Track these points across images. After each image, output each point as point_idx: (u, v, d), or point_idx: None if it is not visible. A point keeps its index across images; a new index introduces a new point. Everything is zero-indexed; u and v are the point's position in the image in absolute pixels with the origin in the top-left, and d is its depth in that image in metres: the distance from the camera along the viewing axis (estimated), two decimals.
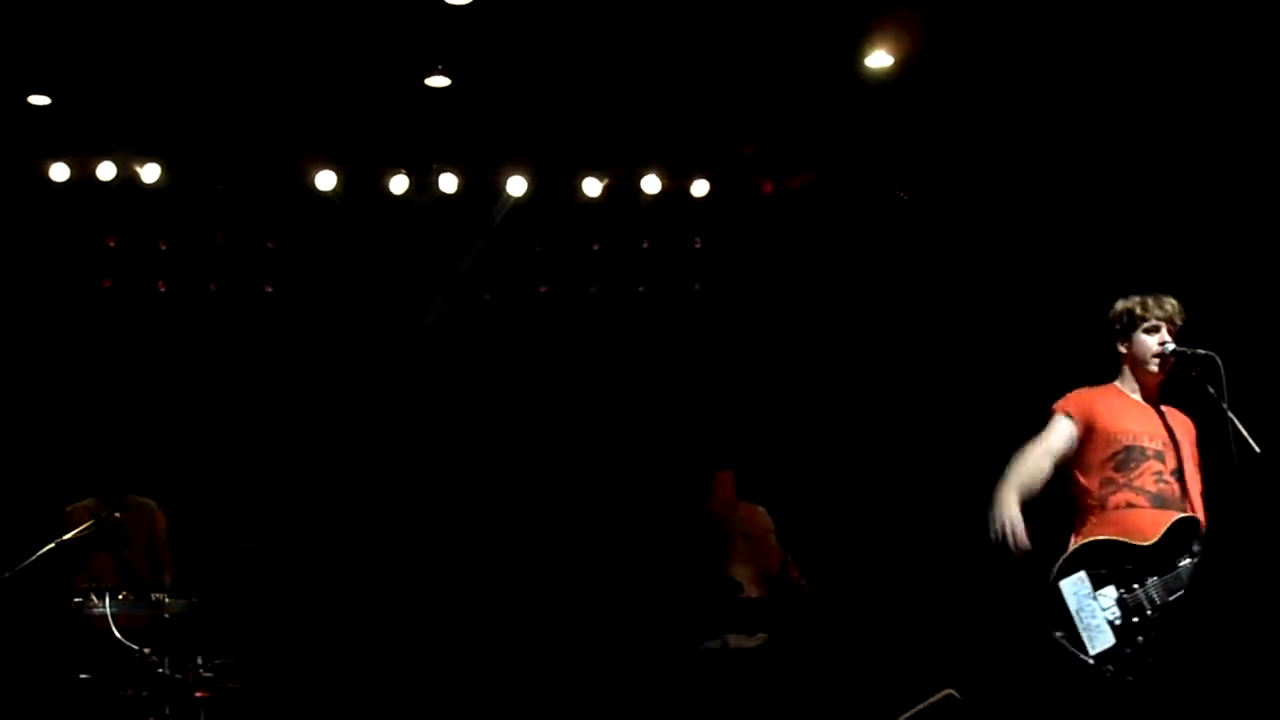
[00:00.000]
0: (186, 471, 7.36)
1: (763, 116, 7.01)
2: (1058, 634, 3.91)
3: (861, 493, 7.45)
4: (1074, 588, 3.95)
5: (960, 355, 7.14)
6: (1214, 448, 4.25)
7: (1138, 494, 4.09)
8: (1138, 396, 4.29)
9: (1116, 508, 4.09)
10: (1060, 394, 4.35)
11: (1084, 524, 4.15)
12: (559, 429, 7.66)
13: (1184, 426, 4.30)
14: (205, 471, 7.38)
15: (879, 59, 6.12)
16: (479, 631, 6.64)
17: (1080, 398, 4.30)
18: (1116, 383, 4.33)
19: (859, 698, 6.52)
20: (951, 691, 5.07)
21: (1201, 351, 4.16)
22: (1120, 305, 4.35)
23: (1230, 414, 4.05)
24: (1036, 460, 4.21)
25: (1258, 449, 3.95)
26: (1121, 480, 4.11)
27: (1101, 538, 4.03)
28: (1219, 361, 4.10)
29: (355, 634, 6.93)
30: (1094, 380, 4.39)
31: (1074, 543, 4.09)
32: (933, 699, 5.04)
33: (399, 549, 7.31)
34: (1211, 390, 4.12)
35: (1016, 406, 6.34)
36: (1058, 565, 4.01)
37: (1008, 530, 4.06)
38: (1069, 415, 4.26)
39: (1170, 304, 4.29)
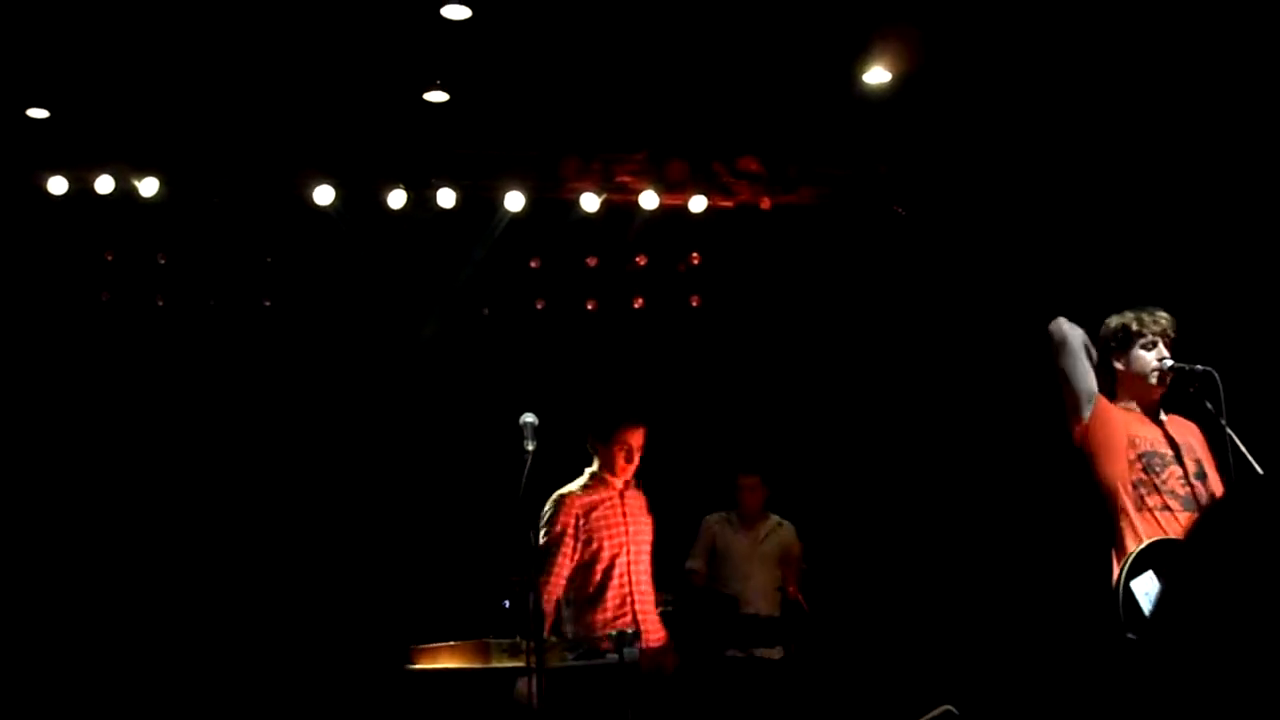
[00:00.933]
0: (185, 484, 7.36)
1: (761, 132, 7.02)
2: (1132, 636, 3.76)
3: (859, 506, 7.44)
4: (1145, 587, 3.79)
5: (958, 371, 7.14)
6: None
7: (1170, 497, 3.99)
8: (1139, 412, 4.23)
9: (1153, 509, 3.97)
10: (1057, 407, 4.31)
11: (1124, 525, 3.99)
12: (557, 441, 7.63)
13: (1191, 431, 4.23)
14: (203, 485, 7.37)
15: (877, 75, 6.14)
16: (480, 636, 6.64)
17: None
18: (1116, 400, 4.26)
19: (859, 713, 6.50)
20: (950, 708, 5.06)
21: (1200, 367, 4.12)
22: (1115, 322, 4.29)
23: (1229, 430, 4.03)
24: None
25: (1256, 464, 3.93)
26: (1153, 481, 4.01)
27: (1163, 538, 3.88)
28: (1217, 377, 4.07)
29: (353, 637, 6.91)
30: None
31: (1127, 544, 3.94)
32: (932, 714, 5.03)
33: (397, 559, 7.29)
34: (1210, 406, 4.09)
35: (1014, 419, 6.39)
36: (1125, 566, 3.85)
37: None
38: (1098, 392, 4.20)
39: (1164, 318, 4.25)
